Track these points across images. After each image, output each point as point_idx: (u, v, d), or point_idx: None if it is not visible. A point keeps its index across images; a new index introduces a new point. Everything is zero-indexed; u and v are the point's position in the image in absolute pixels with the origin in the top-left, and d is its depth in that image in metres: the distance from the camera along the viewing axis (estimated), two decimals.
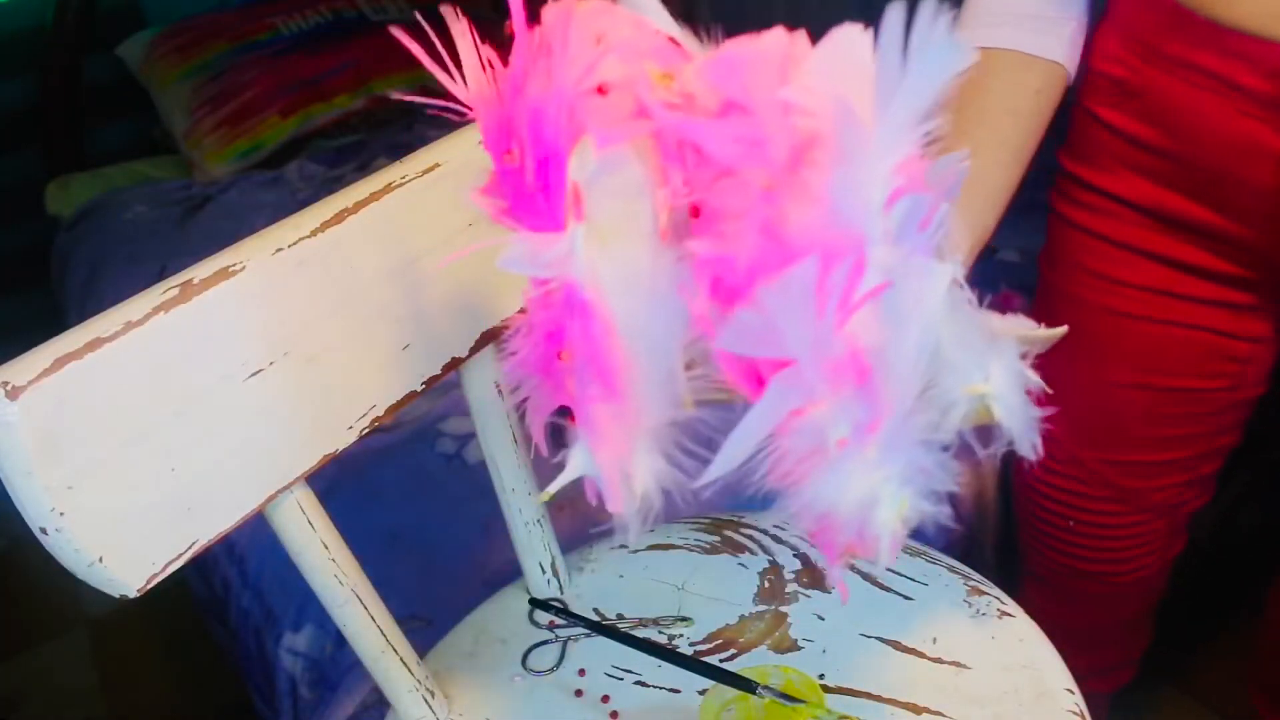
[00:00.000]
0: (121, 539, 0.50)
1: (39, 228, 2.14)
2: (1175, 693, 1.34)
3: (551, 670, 0.70)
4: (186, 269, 0.53)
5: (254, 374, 0.55)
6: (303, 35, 2.17)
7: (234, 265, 0.54)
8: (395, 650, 0.63)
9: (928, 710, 0.63)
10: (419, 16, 0.48)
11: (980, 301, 0.51)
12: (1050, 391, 0.54)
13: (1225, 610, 1.35)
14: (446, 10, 0.45)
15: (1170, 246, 0.77)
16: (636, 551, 0.78)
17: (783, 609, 0.71)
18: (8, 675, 1.71)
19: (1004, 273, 1.34)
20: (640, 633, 0.71)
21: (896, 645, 0.67)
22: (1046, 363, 0.57)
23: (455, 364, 0.65)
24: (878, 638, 0.68)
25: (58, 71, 2.14)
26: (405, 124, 2.16)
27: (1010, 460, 0.78)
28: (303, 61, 2.13)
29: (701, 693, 0.65)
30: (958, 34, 0.50)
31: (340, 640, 0.99)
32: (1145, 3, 0.72)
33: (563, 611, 0.72)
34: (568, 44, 0.43)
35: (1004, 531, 1.15)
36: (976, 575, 0.72)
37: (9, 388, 0.46)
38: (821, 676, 0.66)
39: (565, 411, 0.49)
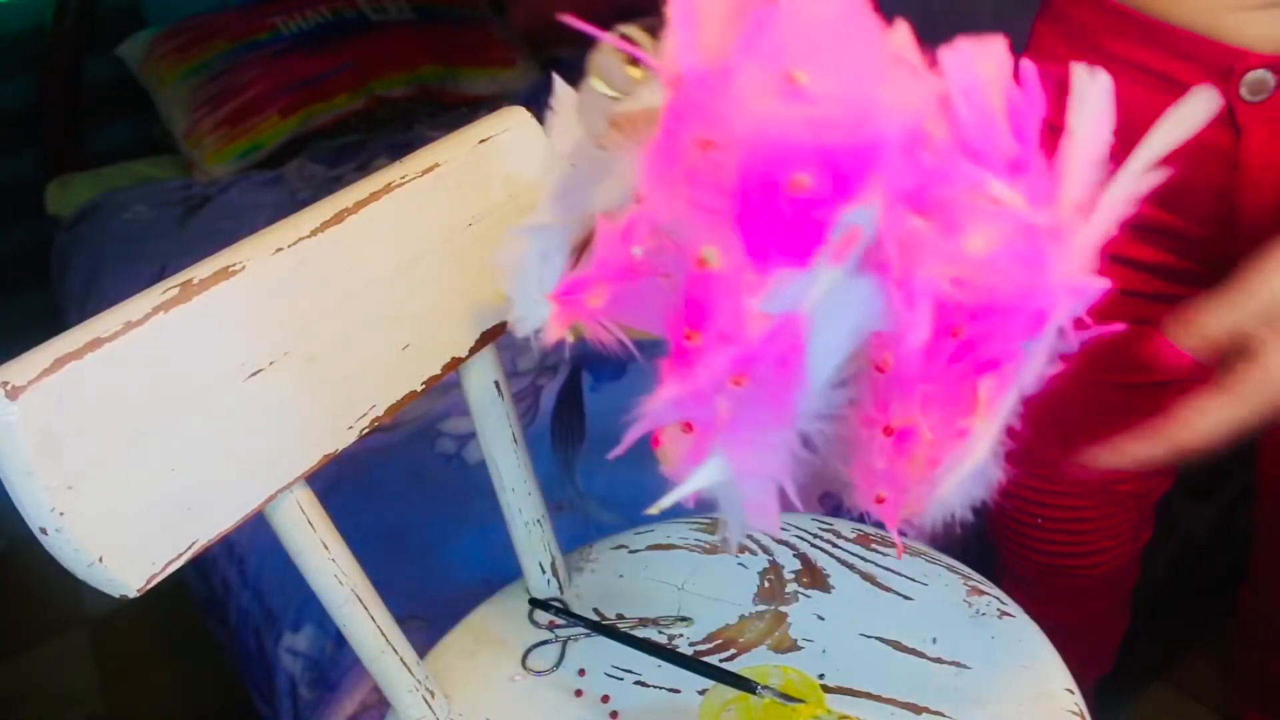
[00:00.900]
0: (121, 539, 0.50)
1: (39, 228, 2.14)
2: (1161, 685, 1.35)
3: (551, 670, 0.70)
4: (186, 269, 0.53)
5: (254, 374, 0.55)
6: (303, 35, 2.17)
7: (234, 265, 0.54)
8: (395, 650, 0.63)
9: (928, 710, 0.63)
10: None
11: None
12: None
13: (1217, 608, 1.36)
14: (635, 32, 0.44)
15: (1129, 248, 0.76)
16: (636, 551, 0.78)
17: (783, 609, 0.71)
18: (8, 675, 1.71)
19: None
20: (640, 633, 0.71)
21: (896, 645, 0.67)
22: None
23: (455, 364, 0.65)
24: (878, 638, 0.68)
25: (57, 71, 2.14)
26: (405, 124, 2.16)
27: None
28: (303, 61, 2.13)
29: (701, 693, 0.65)
30: None
31: (340, 640, 0.99)
32: (1087, 1, 0.71)
33: (562, 611, 0.72)
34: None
35: (978, 532, 1.15)
36: (976, 575, 0.72)
37: (9, 388, 0.46)
38: (821, 676, 0.66)
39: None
